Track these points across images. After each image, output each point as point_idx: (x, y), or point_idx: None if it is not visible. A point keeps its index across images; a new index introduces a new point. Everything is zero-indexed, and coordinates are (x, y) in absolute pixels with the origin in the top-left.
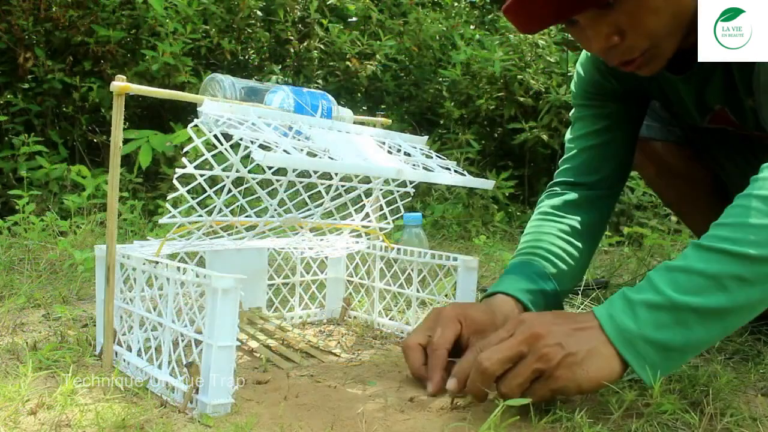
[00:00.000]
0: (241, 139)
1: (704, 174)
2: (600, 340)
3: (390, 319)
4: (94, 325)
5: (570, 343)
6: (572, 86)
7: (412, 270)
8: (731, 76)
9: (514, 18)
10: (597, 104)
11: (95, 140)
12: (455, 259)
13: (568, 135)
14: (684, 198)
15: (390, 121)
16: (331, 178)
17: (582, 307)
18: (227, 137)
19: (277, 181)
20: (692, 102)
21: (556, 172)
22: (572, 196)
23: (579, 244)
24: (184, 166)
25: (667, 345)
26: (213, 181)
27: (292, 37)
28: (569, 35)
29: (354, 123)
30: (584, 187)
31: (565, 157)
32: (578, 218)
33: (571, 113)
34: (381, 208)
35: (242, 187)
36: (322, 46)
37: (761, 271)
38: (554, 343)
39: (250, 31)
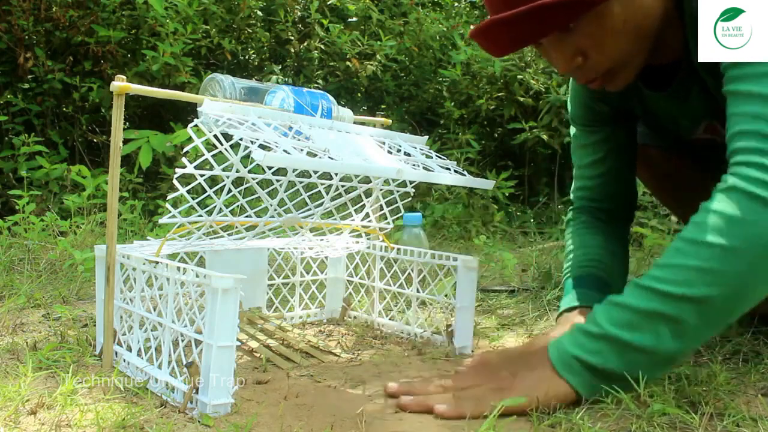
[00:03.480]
0: (241, 139)
1: (700, 177)
2: (543, 362)
3: (390, 319)
4: (94, 325)
5: (516, 367)
6: (568, 101)
7: (412, 270)
8: (707, 86)
9: (481, 42)
10: (593, 129)
11: (95, 140)
12: (455, 259)
13: (574, 157)
14: (681, 201)
15: (390, 121)
16: (331, 178)
17: None
18: (227, 137)
19: (277, 181)
20: (680, 116)
21: (575, 195)
22: (599, 221)
23: (621, 259)
24: (184, 166)
25: (597, 368)
26: (213, 181)
27: (292, 37)
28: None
29: (354, 123)
30: (606, 213)
31: (579, 185)
32: (613, 236)
33: (571, 132)
34: (381, 208)
35: (242, 187)
36: (322, 46)
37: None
38: (501, 365)
39: (251, 31)
